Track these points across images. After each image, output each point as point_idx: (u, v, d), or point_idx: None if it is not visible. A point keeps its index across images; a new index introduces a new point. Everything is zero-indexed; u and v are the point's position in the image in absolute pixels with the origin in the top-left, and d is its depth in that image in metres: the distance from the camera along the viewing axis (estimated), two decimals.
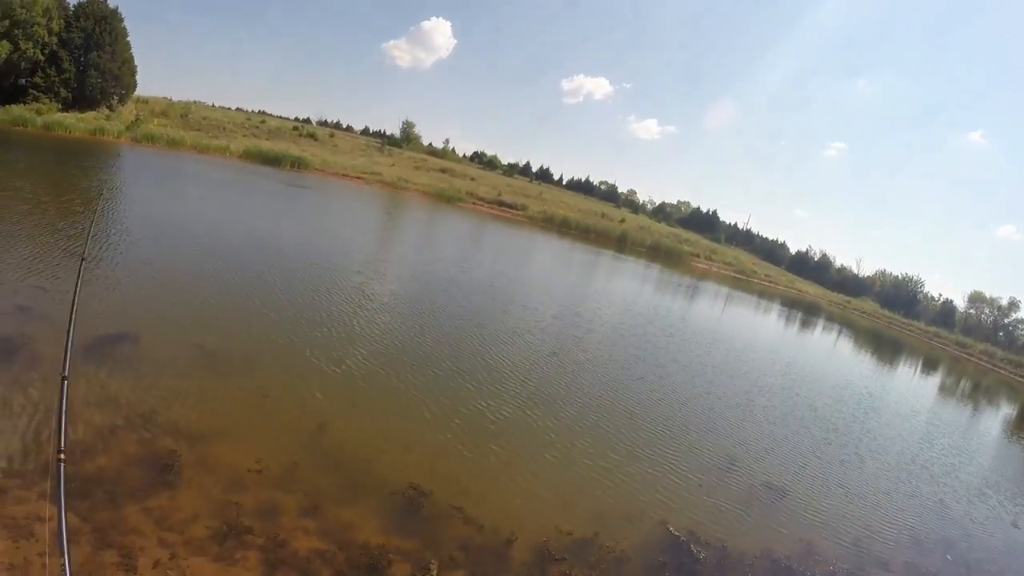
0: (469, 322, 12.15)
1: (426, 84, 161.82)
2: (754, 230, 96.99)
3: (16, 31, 34.75)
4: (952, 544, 7.98)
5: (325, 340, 8.94)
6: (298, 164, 43.68)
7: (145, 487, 4.68)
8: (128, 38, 41.70)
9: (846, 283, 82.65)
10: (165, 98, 54.92)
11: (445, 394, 8.00)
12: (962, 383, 31.19)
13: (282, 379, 7.27)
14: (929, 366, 34.02)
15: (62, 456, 2.39)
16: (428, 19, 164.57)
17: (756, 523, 6.95)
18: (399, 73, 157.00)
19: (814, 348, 27.05)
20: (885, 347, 37.52)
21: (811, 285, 73.84)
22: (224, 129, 48.40)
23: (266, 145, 46.10)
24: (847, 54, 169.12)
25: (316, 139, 57.43)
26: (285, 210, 24.16)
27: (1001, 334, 61.25)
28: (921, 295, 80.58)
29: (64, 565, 1.91)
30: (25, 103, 35.50)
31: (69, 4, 38.61)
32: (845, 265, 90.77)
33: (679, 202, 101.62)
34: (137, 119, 40.41)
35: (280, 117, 77.20)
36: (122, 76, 41.31)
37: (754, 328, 27.14)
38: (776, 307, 40.24)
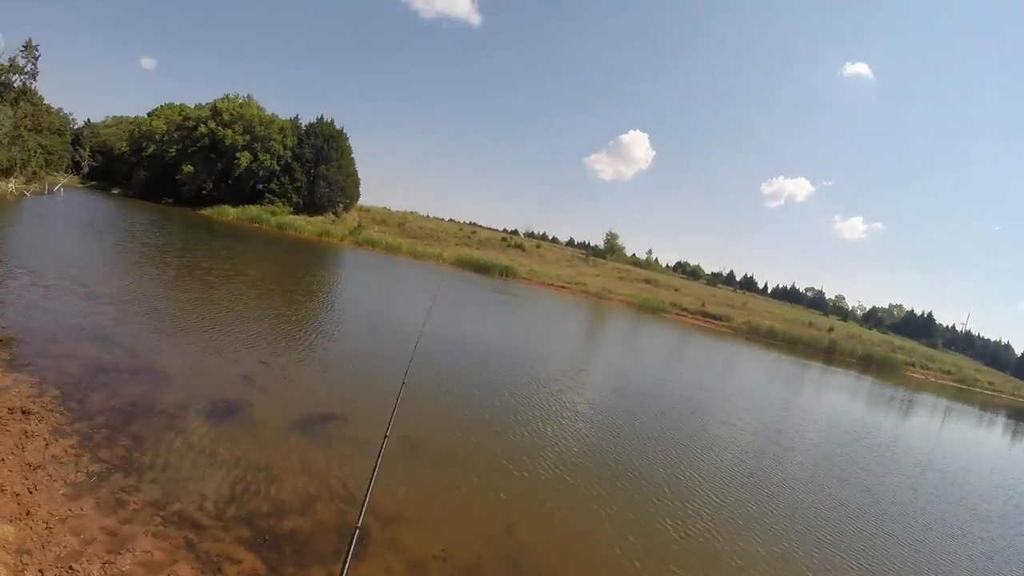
0: (663, 436, 11.40)
1: (628, 195, 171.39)
2: (974, 331, 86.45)
3: (256, 145, 44.16)
4: None
5: (519, 442, 8.88)
6: (506, 272, 46.73)
7: (332, 553, 4.71)
8: (352, 155, 50.16)
9: None
10: (385, 208, 64.88)
11: (631, 508, 7.37)
12: None
13: (476, 476, 7.22)
14: None
15: None
16: (627, 132, 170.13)
17: None
18: (602, 186, 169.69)
19: None
20: None
21: None
22: (437, 238, 54.28)
23: (476, 254, 50.18)
24: None
25: (523, 249, 61.63)
26: (490, 315, 25.53)
27: None
28: None
29: None
30: (262, 204, 44.18)
31: (301, 124, 48.27)
32: None
33: (891, 305, 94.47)
34: (359, 225, 47.38)
35: (490, 228, 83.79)
36: (347, 187, 49.30)
37: (976, 445, 21.97)
38: (1001, 420, 32.95)
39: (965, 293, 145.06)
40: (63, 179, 46.58)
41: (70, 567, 3.78)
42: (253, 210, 42.62)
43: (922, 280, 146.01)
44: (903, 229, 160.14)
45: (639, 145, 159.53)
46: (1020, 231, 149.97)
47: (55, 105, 50.69)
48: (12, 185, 33.41)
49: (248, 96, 47.00)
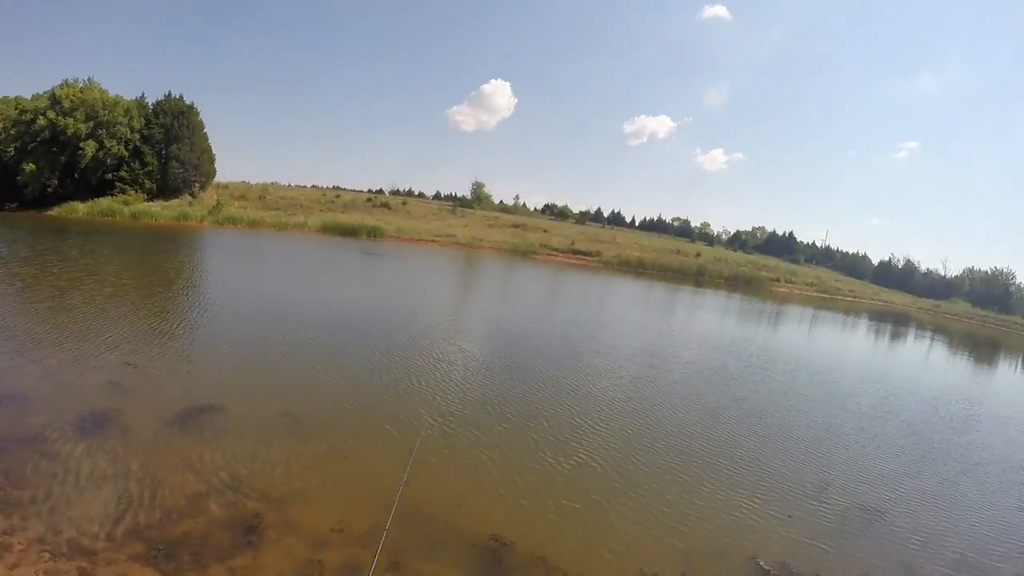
0: (539, 374, 12.02)
1: (493, 145, 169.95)
2: (833, 246, 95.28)
3: (100, 131, 38.93)
4: None
5: (397, 402, 9.16)
6: (374, 233, 45.55)
7: (230, 548, 4.85)
8: (204, 130, 45.67)
9: (934, 287, 78.82)
10: (243, 182, 59.43)
11: (514, 448, 7.95)
12: None
13: (359, 443, 7.44)
14: None
15: None
16: (488, 82, 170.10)
17: (851, 548, 6.42)
18: (466, 137, 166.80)
19: (904, 360, 25.07)
20: (981, 348, 34.51)
21: (898, 294, 70.74)
22: (301, 206, 51.19)
23: (342, 218, 48.18)
24: (908, 50, 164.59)
25: (390, 208, 59.70)
26: (358, 278, 25.15)
27: None
28: (1014, 288, 74.93)
29: None
30: (113, 195, 39.37)
31: (148, 103, 43.03)
32: (931, 269, 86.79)
33: (754, 228, 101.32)
34: (218, 203, 43.61)
35: (355, 190, 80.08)
36: (201, 165, 45.02)
37: (841, 347, 25.62)
38: (863, 322, 38.34)
39: (823, 213, 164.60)
40: None
41: None
42: (104, 202, 38.12)
43: (782, 203, 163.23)
44: (762, 158, 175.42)
45: (500, 94, 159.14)
46: (871, 155, 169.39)
47: None
48: None
49: (89, 79, 40.62)
